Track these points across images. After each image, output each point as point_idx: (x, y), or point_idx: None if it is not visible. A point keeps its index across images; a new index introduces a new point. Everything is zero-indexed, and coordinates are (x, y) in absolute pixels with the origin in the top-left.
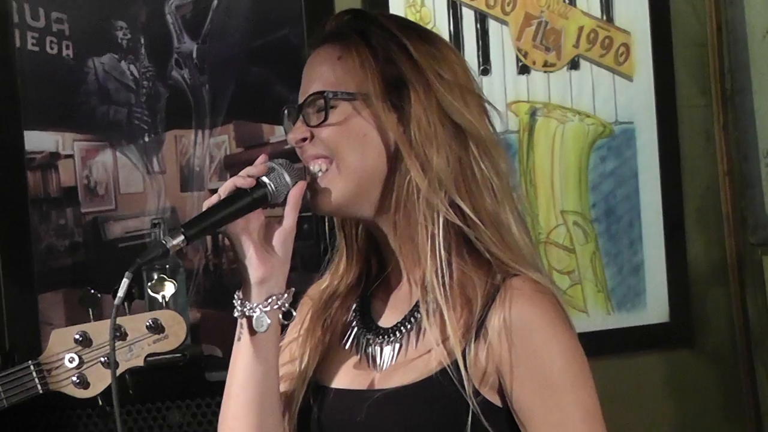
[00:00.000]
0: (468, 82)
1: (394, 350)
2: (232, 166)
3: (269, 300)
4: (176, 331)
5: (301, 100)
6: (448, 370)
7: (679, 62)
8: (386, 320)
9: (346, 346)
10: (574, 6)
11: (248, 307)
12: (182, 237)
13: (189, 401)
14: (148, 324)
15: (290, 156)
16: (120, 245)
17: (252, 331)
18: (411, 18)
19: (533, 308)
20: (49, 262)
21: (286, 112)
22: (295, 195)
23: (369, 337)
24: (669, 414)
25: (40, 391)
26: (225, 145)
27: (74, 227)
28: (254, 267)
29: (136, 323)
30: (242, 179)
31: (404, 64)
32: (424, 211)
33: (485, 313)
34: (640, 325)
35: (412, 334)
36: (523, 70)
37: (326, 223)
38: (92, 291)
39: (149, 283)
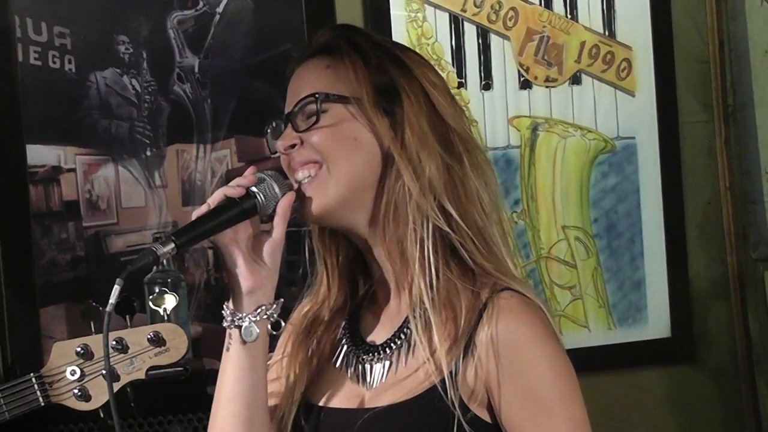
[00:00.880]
0: (452, 92)
1: (384, 368)
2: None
3: (258, 310)
4: (177, 344)
5: (287, 110)
6: (438, 388)
7: (681, 78)
8: (376, 337)
9: (336, 365)
10: (576, 21)
11: (237, 317)
12: (172, 245)
13: (190, 415)
14: (149, 337)
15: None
16: (122, 259)
17: (241, 341)
18: (412, 33)
19: (520, 323)
20: (50, 275)
21: (271, 126)
22: (283, 206)
23: (359, 354)
24: (670, 429)
25: (42, 404)
26: (227, 159)
27: (76, 241)
28: (243, 277)
29: (137, 336)
30: (232, 189)
31: (396, 71)
32: (414, 216)
33: (473, 329)
34: (642, 340)
35: (402, 351)
36: (525, 85)
37: (306, 248)
38: (94, 304)
39: (150, 297)
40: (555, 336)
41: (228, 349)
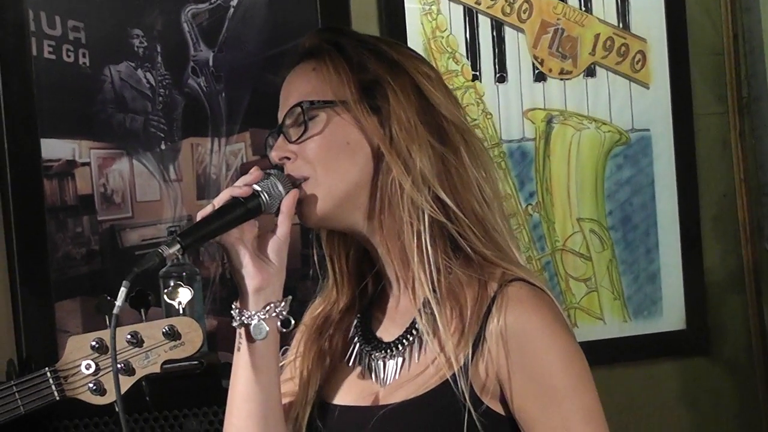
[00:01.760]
0: (446, 85)
1: (397, 364)
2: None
3: (267, 308)
4: (192, 338)
5: (280, 119)
6: (450, 382)
7: (696, 70)
8: (387, 334)
9: (350, 363)
10: (591, 13)
11: (246, 316)
12: (178, 246)
13: (206, 409)
14: (164, 331)
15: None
16: (136, 253)
17: (251, 339)
18: (427, 26)
19: (530, 314)
20: (65, 270)
21: (269, 141)
22: (288, 204)
23: (371, 352)
24: (685, 421)
25: (57, 398)
26: (241, 153)
27: (91, 235)
28: (251, 276)
29: (152, 330)
30: (238, 189)
31: (380, 67)
32: (409, 210)
33: (483, 322)
34: (657, 332)
35: (414, 347)
36: (540, 77)
37: (314, 250)
38: (108, 298)
39: (165, 290)
40: (565, 325)
41: (239, 349)
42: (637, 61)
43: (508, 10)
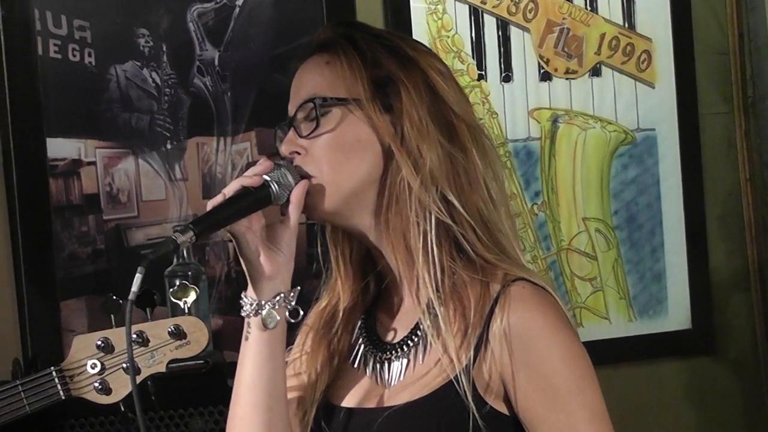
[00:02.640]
0: (458, 80)
1: (401, 366)
2: None
3: (277, 298)
4: (198, 337)
5: (290, 112)
6: (454, 383)
7: (701, 69)
8: (392, 335)
9: (354, 364)
10: (596, 13)
11: (256, 305)
12: (191, 233)
13: (211, 408)
14: (170, 330)
15: None
16: (142, 252)
17: (261, 329)
18: (432, 25)
19: (533, 313)
20: (71, 269)
21: (279, 133)
22: (297, 194)
23: (376, 353)
24: (690, 421)
25: (63, 397)
26: (247, 152)
27: (96, 234)
28: (261, 265)
29: (158, 329)
30: (248, 179)
31: (393, 63)
32: (416, 209)
33: (486, 322)
34: (662, 332)
35: (419, 348)
36: (545, 77)
37: (319, 245)
38: (114, 297)
39: (171, 290)
40: (569, 324)
41: (247, 338)
42: (642, 60)
43: (513, 9)
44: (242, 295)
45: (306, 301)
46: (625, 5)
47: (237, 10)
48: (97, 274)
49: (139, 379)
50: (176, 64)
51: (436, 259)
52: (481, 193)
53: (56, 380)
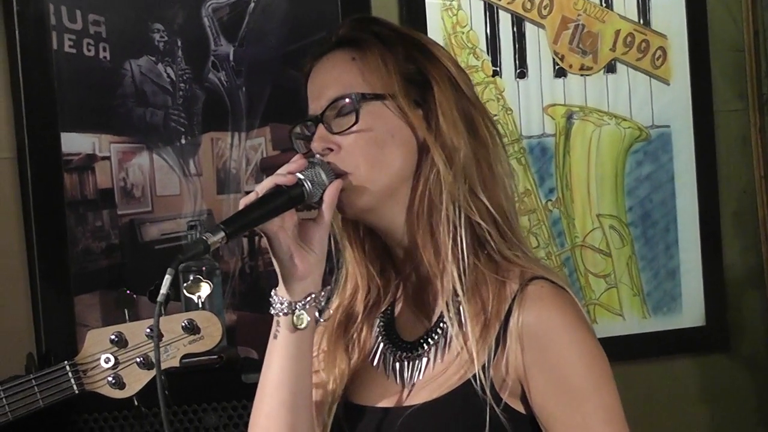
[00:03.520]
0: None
1: (421, 364)
2: (268, 168)
3: (308, 298)
4: (211, 331)
5: (315, 109)
6: (472, 381)
7: (716, 67)
8: (411, 334)
9: (374, 363)
10: (611, 9)
11: (286, 305)
12: (222, 234)
13: (225, 403)
14: (183, 324)
15: None
16: (156, 247)
17: (291, 329)
18: (447, 21)
19: (551, 312)
20: (85, 264)
21: (297, 130)
22: (330, 193)
23: (396, 352)
24: (704, 418)
25: (76, 392)
26: (261, 147)
27: (110, 229)
28: (293, 265)
29: (171, 324)
30: (282, 177)
31: (423, 59)
32: (447, 204)
33: (504, 320)
34: (676, 329)
35: (439, 346)
36: (560, 73)
37: (332, 243)
38: (128, 292)
39: (185, 284)
40: (586, 323)
41: (276, 337)
42: (657, 57)
43: (528, 5)
44: (272, 293)
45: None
46: (640, 2)
47: (252, 5)
48: (111, 269)
49: (152, 373)
50: (191, 59)
51: (465, 254)
52: (502, 186)
53: (70, 374)
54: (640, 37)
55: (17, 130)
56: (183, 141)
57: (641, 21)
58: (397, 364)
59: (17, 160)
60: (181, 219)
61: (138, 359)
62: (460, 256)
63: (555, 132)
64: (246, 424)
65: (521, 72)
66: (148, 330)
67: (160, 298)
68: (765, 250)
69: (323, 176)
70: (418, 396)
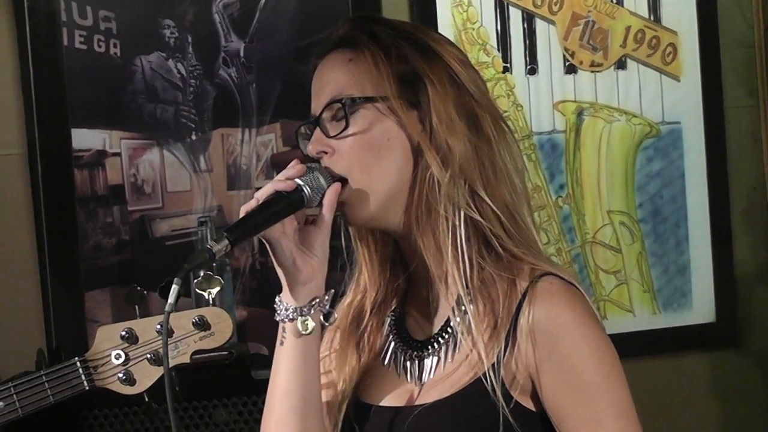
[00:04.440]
0: (476, 68)
1: (431, 363)
2: (278, 164)
3: (313, 302)
4: (222, 328)
5: (314, 110)
6: (482, 380)
7: (726, 63)
8: (421, 333)
9: (385, 362)
10: (622, 6)
11: (291, 311)
12: (227, 241)
13: (235, 399)
14: (194, 321)
15: None
16: (167, 243)
17: (296, 335)
18: (458, 18)
19: (561, 309)
20: (95, 260)
21: (302, 130)
22: (330, 197)
23: (406, 351)
24: (714, 414)
25: (87, 388)
26: (272, 143)
27: (121, 225)
28: (296, 270)
29: (182, 320)
30: (282, 183)
31: (417, 57)
32: (445, 205)
33: (514, 317)
34: (686, 325)
35: (449, 345)
36: (570, 69)
37: (342, 239)
38: (138, 288)
39: (196, 281)
40: (596, 320)
41: (282, 343)
42: (667, 53)
43: (539, 2)
44: (276, 300)
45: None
46: None
47: (262, 1)
48: (122, 265)
49: (162, 370)
50: (201, 56)
51: (465, 255)
52: (507, 183)
53: (80, 371)
54: (650, 34)
55: (28, 126)
56: (193, 137)
57: (651, 17)
58: (408, 363)
59: (28, 157)
60: (192, 215)
61: (148, 355)
62: (462, 257)
63: (565, 128)
64: (256, 420)
65: (532, 68)
66: (159, 326)
67: (167, 308)
68: None
69: (321, 180)
70: (429, 395)
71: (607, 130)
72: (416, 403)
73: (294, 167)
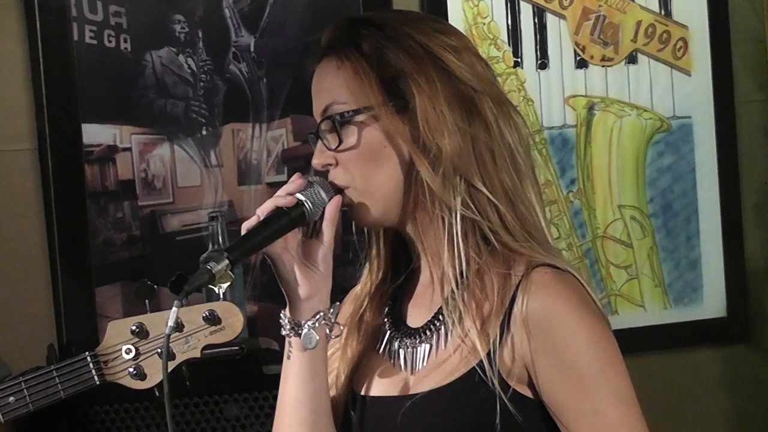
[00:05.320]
0: (475, 48)
1: (425, 352)
2: (289, 159)
3: (317, 316)
4: (233, 322)
5: (315, 115)
6: (477, 369)
7: (737, 57)
8: (415, 320)
9: (380, 351)
10: (632, 0)
11: (296, 325)
12: (227, 261)
13: (246, 394)
14: (204, 315)
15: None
16: (177, 238)
17: (302, 349)
18: (468, 12)
19: (555, 299)
20: (106, 255)
21: (310, 136)
22: (331, 210)
23: (400, 338)
24: (725, 409)
25: (97, 383)
26: (282, 138)
27: (131, 220)
28: (299, 285)
29: (192, 314)
30: (283, 198)
31: (401, 58)
32: (440, 206)
33: (509, 307)
34: (697, 320)
35: (441, 333)
36: (581, 64)
37: (354, 232)
38: (149, 283)
39: None
40: (593, 307)
41: (289, 357)
42: (678, 48)
43: None
44: (281, 315)
45: (344, 288)
46: None
47: None
48: (132, 260)
49: (173, 364)
50: (212, 51)
51: (462, 253)
52: (507, 167)
53: (91, 365)
54: (661, 28)
55: (38, 121)
56: (204, 132)
57: (662, 12)
58: (401, 351)
59: (38, 152)
60: (202, 210)
61: (159, 350)
62: (458, 255)
63: (576, 123)
64: (267, 415)
65: (542, 63)
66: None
67: (168, 331)
68: None
69: (322, 194)
70: (423, 384)
71: (618, 124)
72: (411, 392)
73: (295, 182)
